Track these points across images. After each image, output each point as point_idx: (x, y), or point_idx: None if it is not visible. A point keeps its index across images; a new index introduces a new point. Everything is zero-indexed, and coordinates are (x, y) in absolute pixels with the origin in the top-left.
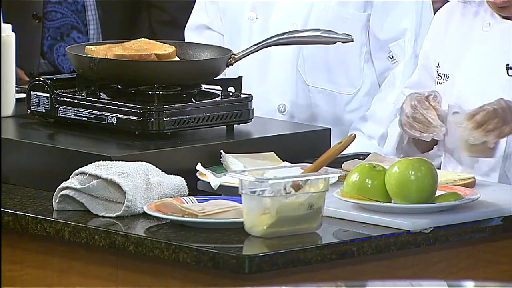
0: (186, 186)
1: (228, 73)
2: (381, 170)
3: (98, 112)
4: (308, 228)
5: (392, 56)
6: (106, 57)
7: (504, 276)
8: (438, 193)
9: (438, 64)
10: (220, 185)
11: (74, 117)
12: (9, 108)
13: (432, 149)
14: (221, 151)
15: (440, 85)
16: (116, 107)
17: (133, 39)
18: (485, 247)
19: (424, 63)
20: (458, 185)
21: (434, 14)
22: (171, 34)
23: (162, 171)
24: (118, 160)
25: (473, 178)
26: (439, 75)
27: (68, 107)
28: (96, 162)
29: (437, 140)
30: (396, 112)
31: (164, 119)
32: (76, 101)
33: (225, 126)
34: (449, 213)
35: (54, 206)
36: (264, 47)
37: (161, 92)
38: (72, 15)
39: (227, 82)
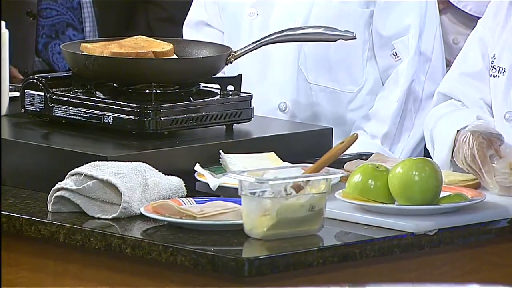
0: (184, 187)
1: (227, 71)
2: (384, 170)
3: (94, 111)
4: (309, 230)
5: (396, 53)
6: (102, 55)
7: (510, 280)
8: (442, 194)
9: (494, 56)
10: (219, 186)
11: (69, 116)
12: (3, 107)
13: None
14: (220, 151)
15: (494, 78)
16: (113, 106)
17: (130, 36)
18: (491, 250)
19: (483, 52)
20: (463, 186)
21: (440, 10)
22: (169, 31)
23: (159, 171)
24: (115, 160)
25: None
26: (493, 67)
27: (63, 106)
28: (92, 163)
29: None
30: (400, 109)
31: (161, 118)
32: (71, 100)
33: (224, 126)
34: (454, 215)
35: (48, 207)
36: (264, 45)
37: (158, 91)
38: (67, 12)
39: (226, 81)
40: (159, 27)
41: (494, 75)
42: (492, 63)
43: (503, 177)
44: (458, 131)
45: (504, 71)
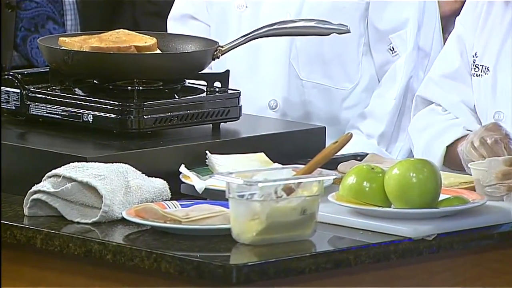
0: (168, 190)
1: (214, 66)
2: (380, 172)
3: (73, 110)
4: (300, 235)
5: (393, 48)
6: (82, 50)
7: None
8: (442, 197)
9: (476, 54)
10: (205, 189)
11: (47, 114)
12: None
13: None
14: (207, 151)
15: (477, 77)
16: (93, 104)
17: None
18: (493, 255)
19: (462, 50)
20: (464, 188)
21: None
22: (156, 26)
23: (142, 173)
24: (95, 161)
25: None
26: (476, 66)
27: (40, 104)
28: (71, 164)
29: None
30: (398, 107)
31: (144, 116)
32: (49, 98)
33: (211, 125)
34: (454, 219)
35: (25, 211)
36: (253, 39)
37: (141, 88)
38: (47, 4)
39: (213, 77)
40: (146, 22)
41: (477, 74)
42: (474, 62)
43: (491, 189)
44: (447, 147)
45: (488, 70)
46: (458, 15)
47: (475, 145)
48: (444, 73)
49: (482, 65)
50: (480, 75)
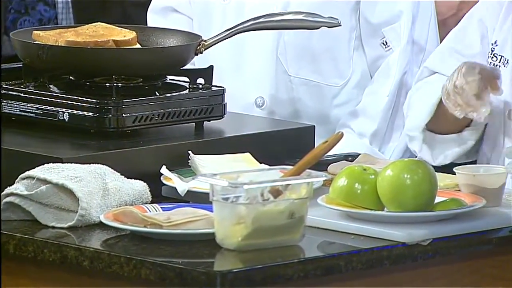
0: (148, 192)
1: (197, 62)
2: (373, 173)
3: (48, 107)
4: (289, 239)
5: (386, 42)
6: (57, 44)
7: None
8: (437, 199)
9: (495, 42)
10: (188, 191)
11: (20, 113)
12: None
13: (461, 131)
14: (189, 151)
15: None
16: (69, 102)
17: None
18: (492, 262)
19: (483, 34)
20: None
21: None
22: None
23: (121, 174)
24: (71, 162)
25: None
26: (494, 55)
27: (13, 102)
28: (46, 165)
29: (470, 120)
30: (391, 104)
31: (123, 115)
32: (22, 95)
33: (194, 123)
34: (450, 223)
35: None
36: (239, 33)
37: (120, 84)
38: None
39: (196, 73)
40: (135, 13)
41: (494, 64)
42: (492, 51)
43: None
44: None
45: (508, 62)
46: (455, 11)
47: (450, 92)
48: (461, 52)
49: (502, 56)
50: (498, 66)
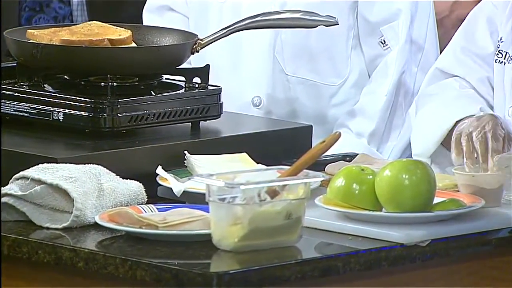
0: (144, 193)
1: (194, 61)
2: (371, 173)
3: (42, 107)
4: (286, 240)
5: (384, 41)
6: (51, 43)
7: None
8: (436, 200)
9: (501, 39)
10: (184, 192)
11: (15, 112)
12: None
13: None
14: (185, 152)
15: (499, 64)
16: (63, 101)
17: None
18: (491, 263)
19: (492, 32)
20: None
21: None
22: None
23: (116, 175)
24: (66, 163)
25: None
26: (500, 52)
27: (7, 102)
28: (40, 165)
29: None
30: (389, 104)
31: (118, 114)
32: (16, 95)
33: (190, 123)
34: (449, 223)
35: None
36: (235, 31)
37: (115, 84)
38: None
39: (192, 72)
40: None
41: (499, 60)
42: (498, 47)
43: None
44: (457, 122)
45: (511, 59)
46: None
47: (460, 141)
48: (474, 52)
49: (507, 52)
50: (503, 62)
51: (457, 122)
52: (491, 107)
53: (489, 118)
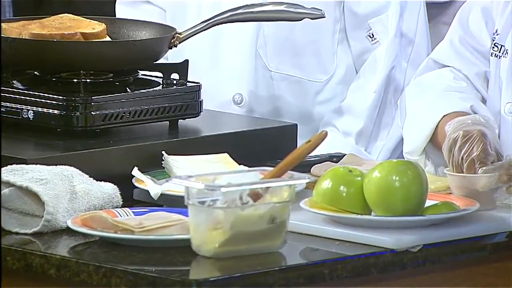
0: (119, 196)
1: (171, 56)
2: (359, 175)
3: (11, 105)
4: (269, 246)
5: (372, 35)
6: (21, 37)
7: None
8: (428, 203)
9: (496, 31)
10: (161, 194)
11: None
12: None
13: None
14: (163, 152)
15: (494, 57)
16: (33, 99)
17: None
18: (486, 269)
19: (489, 26)
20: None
21: None
22: None
23: (90, 176)
24: (36, 164)
25: None
26: (495, 45)
27: None
28: (9, 166)
29: None
30: (378, 101)
31: (92, 113)
32: None
33: (168, 122)
34: (442, 228)
35: None
36: (215, 25)
37: (88, 80)
38: None
39: (170, 68)
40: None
41: (495, 54)
42: (493, 40)
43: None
44: (444, 116)
45: (507, 52)
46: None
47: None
48: (472, 45)
49: (502, 46)
50: (498, 56)
51: (445, 116)
52: (485, 102)
53: (478, 136)
